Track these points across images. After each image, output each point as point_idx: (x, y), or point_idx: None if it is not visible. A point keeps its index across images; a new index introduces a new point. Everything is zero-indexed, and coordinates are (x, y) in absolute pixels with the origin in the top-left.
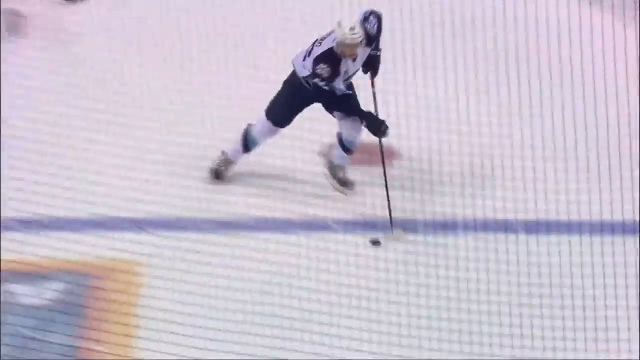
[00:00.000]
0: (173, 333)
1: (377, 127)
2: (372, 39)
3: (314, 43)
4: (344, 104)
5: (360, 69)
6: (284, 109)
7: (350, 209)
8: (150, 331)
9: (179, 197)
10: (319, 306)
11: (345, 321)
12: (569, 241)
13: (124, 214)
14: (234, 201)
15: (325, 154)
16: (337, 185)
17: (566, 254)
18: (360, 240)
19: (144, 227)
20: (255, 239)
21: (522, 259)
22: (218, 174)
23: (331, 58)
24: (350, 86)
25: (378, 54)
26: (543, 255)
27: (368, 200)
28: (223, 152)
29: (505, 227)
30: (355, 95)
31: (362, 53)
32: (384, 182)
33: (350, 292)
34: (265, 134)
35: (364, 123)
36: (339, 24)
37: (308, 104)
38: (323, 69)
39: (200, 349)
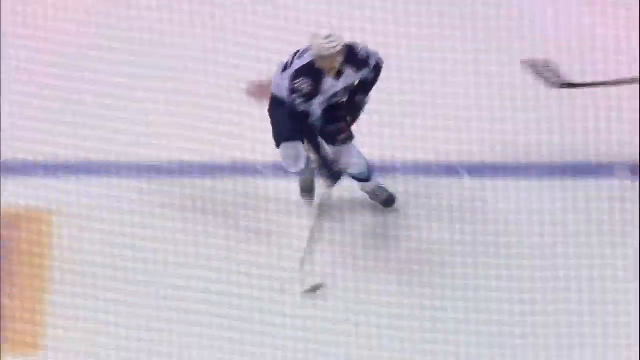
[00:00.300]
0: (88, 286)
1: (332, 179)
2: (361, 63)
3: (294, 55)
4: (310, 135)
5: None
6: (280, 125)
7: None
8: (64, 285)
9: (98, 139)
10: (237, 255)
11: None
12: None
13: (37, 159)
14: (157, 144)
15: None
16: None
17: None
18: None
19: (58, 173)
20: (178, 184)
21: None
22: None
23: (313, 72)
24: (332, 118)
25: (365, 101)
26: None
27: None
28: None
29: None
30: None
31: (348, 75)
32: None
33: (279, 241)
34: (287, 160)
35: (318, 164)
36: (315, 35)
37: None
38: (303, 84)
39: (117, 301)
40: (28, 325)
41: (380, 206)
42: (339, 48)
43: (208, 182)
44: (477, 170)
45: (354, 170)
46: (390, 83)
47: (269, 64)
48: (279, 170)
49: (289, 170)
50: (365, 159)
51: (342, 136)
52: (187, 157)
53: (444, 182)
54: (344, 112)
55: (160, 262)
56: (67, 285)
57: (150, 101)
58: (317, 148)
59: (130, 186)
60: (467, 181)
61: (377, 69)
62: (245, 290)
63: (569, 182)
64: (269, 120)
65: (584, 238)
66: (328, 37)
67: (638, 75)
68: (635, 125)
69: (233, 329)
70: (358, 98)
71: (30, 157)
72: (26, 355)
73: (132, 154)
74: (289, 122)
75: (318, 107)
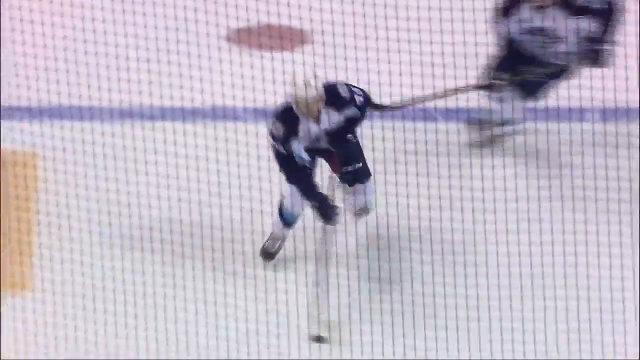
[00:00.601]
0: (73, 228)
1: (328, 215)
2: (344, 103)
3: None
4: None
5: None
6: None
7: (261, 98)
8: (51, 227)
9: (81, 85)
10: (220, 200)
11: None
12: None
13: (20, 103)
14: (140, 90)
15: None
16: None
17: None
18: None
19: (43, 117)
20: (158, 128)
21: None
22: (268, 254)
23: (289, 116)
24: (350, 157)
25: (353, 139)
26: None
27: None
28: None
29: None
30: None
31: (329, 116)
32: None
33: (260, 185)
34: (298, 200)
35: (312, 206)
36: (293, 82)
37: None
38: (278, 128)
39: (102, 243)
40: (16, 266)
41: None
42: (315, 92)
43: (189, 127)
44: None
45: (364, 204)
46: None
47: (248, 12)
48: (259, 115)
49: (289, 209)
50: (375, 195)
51: (334, 216)
52: (168, 103)
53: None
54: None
55: (145, 206)
56: (54, 227)
57: (132, 47)
58: (312, 188)
59: (115, 131)
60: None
61: (364, 108)
62: (227, 234)
63: None
64: (248, 65)
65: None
66: (308, 83)
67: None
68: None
69: (217, 268)
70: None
71: (14, 102)
72: (15, 295)
73: (115, 99)
74: (286, 165)
75: (301, 151)
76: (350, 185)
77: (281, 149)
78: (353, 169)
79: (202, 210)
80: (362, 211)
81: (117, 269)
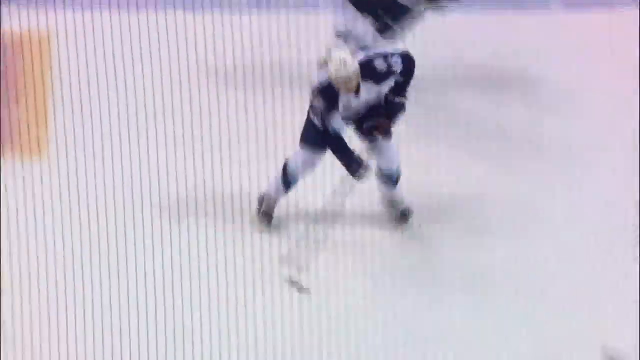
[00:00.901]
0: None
1: (354, 168)
2: (380, 76)
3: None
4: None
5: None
6: (305, 128)
7: None
8: (65, 104)
9: None
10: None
11: None
12: None
13: None
14: None
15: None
16: (397, 223)
17: None
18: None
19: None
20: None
21: None
22: (266, 215)
23: (329, 91)
24: (371, 114)
25: (402, 101)
26: None
27: None
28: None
29: None
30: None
31: (368, 90)
32: None
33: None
34: (305, 164)
35: (341, 161)
36: (329, 57)
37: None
38: (318, 103)
39: (117, 114)
40: (32, 131)
41: (395, 222)
42: (351, 71)
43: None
44: None
45: (386, 166)
46: None
47: None
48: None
49: (292, 174)
50: (399, 161)
51: (380, 131)
52: None
53: None
54: (384, 112)
55: (157, 78)
56: (67, 96)
57: None
58: (343, 145)
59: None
60: None
61: (407, 71)
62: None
63: None
64: None
65: None
66: (343, 60)
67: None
68: None
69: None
70: (394, 99)
71: None
72: (32, 161)
73: None
74: (312, 130)
75: (342, 123)
76: (369, 139)
77: (319, 123)
78: (372, 123)
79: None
80: (387, 180)
81: (133, 138)
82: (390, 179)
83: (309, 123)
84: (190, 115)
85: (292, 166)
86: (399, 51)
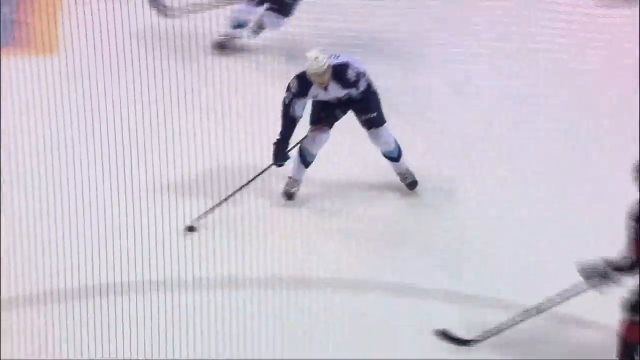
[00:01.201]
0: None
1: (277, 157)
2: (347, 83)
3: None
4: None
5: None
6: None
7: None
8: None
9: None
10: None
11: None
12: None
13: None
14: None
15: None
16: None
17: None
18: None
19: None
20: None
21: None
22: (290, 194)
23: (305, 80)
24: (365, 109)
25: (369, 117)
26: None
27: None
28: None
29: None
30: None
31: (335, 89)
32: None
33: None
34: (315, 141)
35: (274, 143)
36: (307, 54)
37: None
38: (293, 84)
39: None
40: (45, 28)
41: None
42: (323, 69)
43: None
44: None
45: (384, 148)
46: None
47: None
48: None
49: (308, 149)
50: (395, 141)
51: (373, 123)
52: None
53: None
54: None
55: None
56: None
57: None
58: (288, 131)
59: None
60: None
61: (366, 92)
62: None
63: None
64: None
65: None
66: (316, 57)
67: None
68: None
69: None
70: (361, 117)
71: None
72: (45, 56)
73: None
74: (315, 110)
75: (300, 109)
76: (368, 129)
77: (287, 101)
78: (367, 118)
79: None
80: (389, 157)
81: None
82: (392, 157)
83: (312, 106)
84: None
85: (305, 144)
86: (368, 79)
